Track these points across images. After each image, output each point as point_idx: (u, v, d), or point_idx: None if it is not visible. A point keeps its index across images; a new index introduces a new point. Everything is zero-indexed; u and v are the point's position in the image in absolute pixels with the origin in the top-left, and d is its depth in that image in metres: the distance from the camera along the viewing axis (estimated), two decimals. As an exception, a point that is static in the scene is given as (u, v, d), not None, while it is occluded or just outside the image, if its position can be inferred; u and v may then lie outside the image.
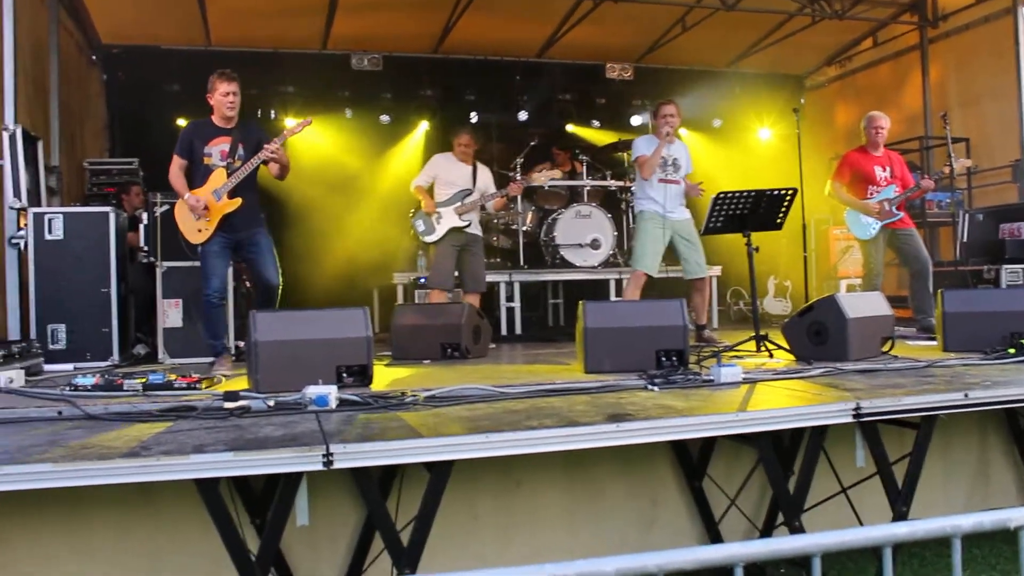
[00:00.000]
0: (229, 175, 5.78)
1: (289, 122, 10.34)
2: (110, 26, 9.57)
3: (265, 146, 5.76)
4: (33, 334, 6.17)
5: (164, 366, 6.21)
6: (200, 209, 5.73)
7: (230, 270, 6.33)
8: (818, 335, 5.36)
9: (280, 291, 6.06)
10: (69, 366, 6.09)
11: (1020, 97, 9.23)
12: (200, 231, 5.82)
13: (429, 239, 7.53)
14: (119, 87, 10.22)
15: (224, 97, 5.83)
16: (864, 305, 5.57)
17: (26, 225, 6.27)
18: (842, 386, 4.32)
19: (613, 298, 8.98)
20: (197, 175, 5.86)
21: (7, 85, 6.32)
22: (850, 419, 3.75)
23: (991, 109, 9.61)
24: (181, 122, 10.13)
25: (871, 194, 7.37)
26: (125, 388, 4.38)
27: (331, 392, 3.89)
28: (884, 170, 7.36)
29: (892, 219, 7.25)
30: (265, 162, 5.86)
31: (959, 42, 10.16)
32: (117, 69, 10.20)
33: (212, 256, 5.84)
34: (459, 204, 7.48)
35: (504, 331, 8.72)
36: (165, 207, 6.67)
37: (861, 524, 4.28)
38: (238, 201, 5.77)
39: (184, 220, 5.89)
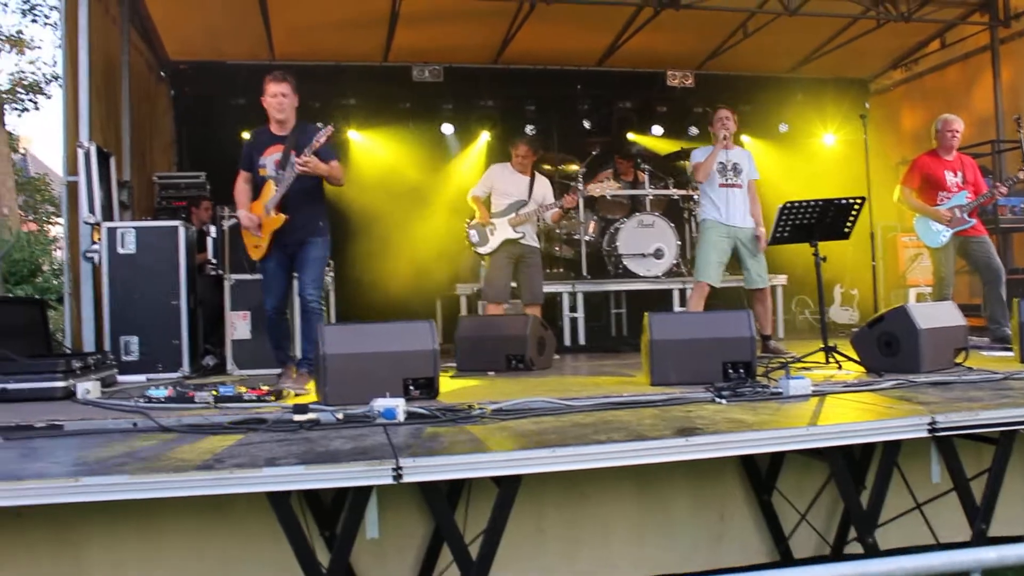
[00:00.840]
0: (276, 186, 5.47)
1: (352, 135, 10.49)
2: (177, 43, 9.78)
3: (294, 161, 5.34)
4: (107, 346, 6.33)
5: (233, 377, 6.32)
6: (254, 227, 5.51)
7: (294, 284, 6.02)
8: (888, 346, 5.26)
9: (321, 308, 5.68)
10: (141, 377, 6.23)
11: (1096, 99, 8.97)
12: (257, 247, 5.62)
13: (482, 250, 7.54)
14: (186, 102, 10.45)
15: (272, 99, 5.50)
16: (936, 315, 5.45)
17: (100, 239, 6.44)
18: (915, 399, 4.23)
19: (676, 308, 8.91)
20: (257, 188, 5.64)
21: (82, 104, 6.50)
22: (925, 434, 3.66)
23: (1069, 111, 9.33)
24: (246, 136, 10.35)
25: (941, 200, 7.17)
26: (197, 400, 4.46)
27: (399, 405, 3.92)
28: (955, 175, 7.17)
29: (963, 226, 7.05)
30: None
31: (1033, 42, 9.89)
32: (184, 85, 10.42)
33: (267, 273, 5.66)
34: (513, 215, 7.48)
35: (567, 342, 8.70)
36: (232, 220, 6.79)
37: (937, 541, 4.19)
38: (282, 218, 5.42)
39: (245, 236, 5.71)
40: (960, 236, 7.13)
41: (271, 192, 5.47)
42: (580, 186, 8.91)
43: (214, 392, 4.52)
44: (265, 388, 4.65)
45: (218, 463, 3.09)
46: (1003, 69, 10.19)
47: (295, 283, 5.80)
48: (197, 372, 6.65)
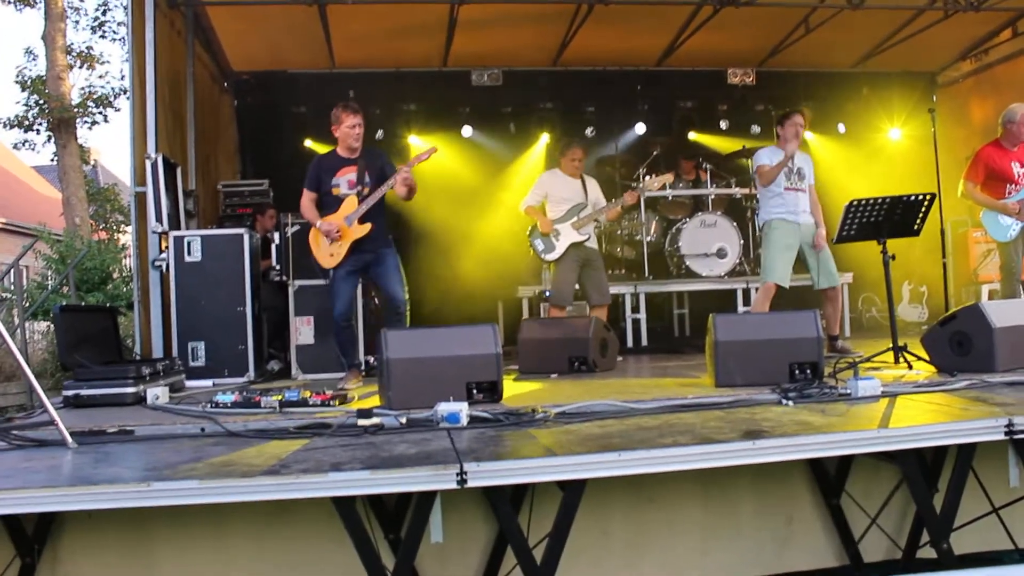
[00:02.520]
0: (360, 202, 5.93)
1: (413, 139, 10.55)
2: (240, 54, 9.94)
3: (395, 175, 5.89)
4: (175, 352, 6.46)
5: (297, 382, 6.40)
6: (334, 233, 5.90)
7: (358, 290, 6.48)
8: (961, 345, 5.14)
9: (408, 307, 6.21)
10: (208, 382, 6.35)
11: None
12: (332, 255, 5.98)
13: (550, 257, 7.50)
14: (249, 112, 10.59)
15: (351, 129, 5.98)
16: (1012, 313, 5.30)
17: (167, 248, 6.59)
18: (991, 400, 4.13)
19: (740, 308, 8.81)
20: (327, 206, 6.05)
21: (149, 116, 6.66)
22: (1002, 436, 3.57)
23: None
24: (308, 143, 10.50)
25: (1009, 193, 6.95)
26: (263, 405, 4.53)
27: (462, 409, 3.93)
28: (1022, 167, 6.96)
29: None
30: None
31: (1112, 27, 9.56)
32: (246, 94, 10.58)
33: (339, 281, 6.00)
34: (575, 219, 7.46)
35: (630, 343, 8.65)
36: (296, 227, 6.88)
37: (1016, 547, 4.08)
38: (368, 226, 5.91)
39: (317, 246, 6.06)
40: None
41: (354, 206, 5.93)
42: (642, 186, 8.87)
43: (279, 397, 4.58)
44: (329, 393, 4.70)
45: (284, 468, 3.13)
46: (1079, 58, 9.88)
47: (381, 289, 6.24)
48: (262, 377, 6.75)
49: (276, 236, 7.18)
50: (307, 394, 4.64)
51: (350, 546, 3.21)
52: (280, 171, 9.88)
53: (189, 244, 6.60)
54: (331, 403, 4.58)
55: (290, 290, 6.89)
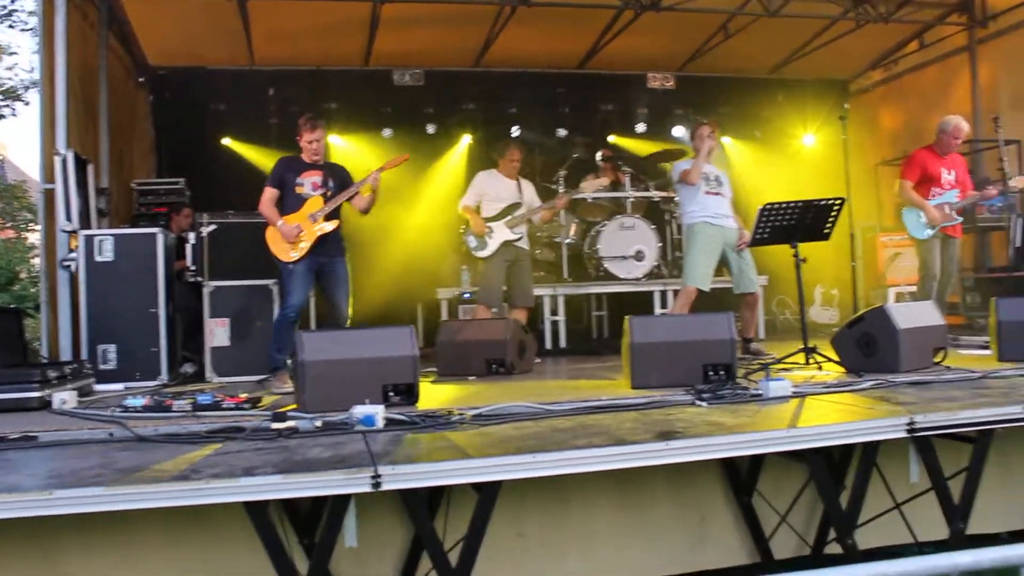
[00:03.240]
0: (326, 202, 6.13)
1: (334, 139, 10.43)
2: (157, 48, 9.72)
3: (371, 175, 6.19)
4: (84, 354, 6.28)
5: (212, 385, 6.28)
6: (293, 236, 6.04)
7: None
8: (868, 346, 5.29)
9: (349, 321, 6.38)
10: (119, 386, 6.18)
11: (1072, 98, 9.05)
12: (293, 251, 6.09)
13: (481, 254, 7.52)
14: (165, 108, 10.36)
15: (308, 144, 6.20)
16: (915, 315, 5.48)
17: (77, 247, 6.39)
18: (894, 399, 4.25)
19: (658, 310, 8.92)
20: (288, 204, 6.16)
21: (59, 111, 6.45)
22: (904, 434, 3.68)
23: (1045, 111, 9.41)
24: (227, 141, 10.34)
25: (933, 195, 7.28)
26: (175, 409, 4.43)
27: (378, 412, 3.90)
28: (949, 173, 7.26)
29: (950, 223, 7.16)
30: (350, 198, 6.24)
31: (1009, 42, 9.94)
32: (163, 90, 10.35)
33: (297, 275, 6.07)
34: (509, 218, 7.50)
35: (549, 345, 8.70)
36: (212, 227, 6.76)
37: (916, 541, 4.21)
38: (335, 223, 6.16)
39: (276, 243, 6.13)
40: (942, 233, 7.23)
41: (319, 205, 6.13)
42: (560, 188, 8.94)
43: (192, 400, 4.49)
44: (244, 396, 4.62)
45: (195, 473, 3.07)
46: (980, 69, 10.27)
47: (328, 299, 6.33)
48: (176, 380, 6.60)
49: (191, 236, 7.04)
50: (221, 397, 4.56)
51: (264, 552, 3.17)
52: (197, 170, 9.71)
53: (100, 243, 6.42)
54: (245, 406, 4.50)
55: (205, 291, 6.76)
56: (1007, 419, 3.85)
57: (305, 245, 6.06)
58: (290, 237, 6.04)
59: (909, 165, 7.46)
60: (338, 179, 6.27)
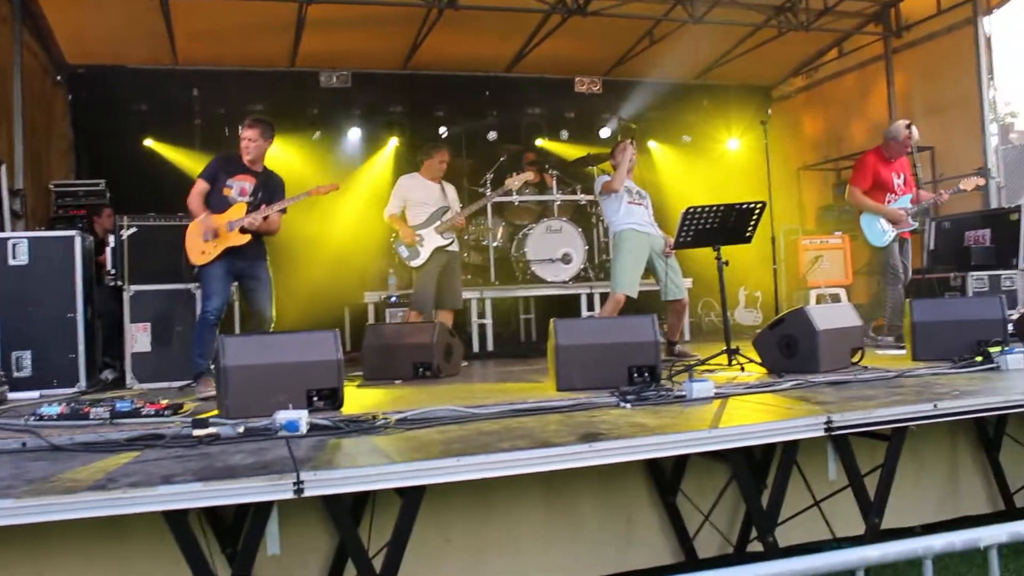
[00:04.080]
0: (248, 212, 5.98)
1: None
2: (75, 46, 9.48)
3: (245, 218, 5.94)
4: (-3, 362, 6.09)
5: (132, 392, 6.13)
6: (210, 233, 5.92)
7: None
8: (789, 347, 5.39)
9: (273, 325, 6.26)
10: (35, 394, 6.00)
11: (982, 106, 9.39)
12: (204, 253, 5.96)
13: (415, 264, 7.42)
14: (85, 107, 10.11)
15: (242, 141, 6.11)
16: (834, 316, 5.61)
17: (-11, 250, 6.19)
18: (813, 399, 4.34)
19: (585, 312, 8.98)
20: (213, 203, 6.04)
21: (-31, 111, 6.26)
22: (821, 433, 3.76)
23: (955, 118, 9.73)
24: (149, 142, 10.13)
25: (889, 201, 7.42)
26: (92, 417, 4.31)
27: (301, 417, 3.85)
28: (899, 177, 7.40)
29: (908, 228, 7.29)
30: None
31: (923, 52, 10.28)
32: (82, 89, 10.09)
33: (215, 278, 5.95)
34: (438, 223, 7.44)
35: (476, 348, 8.70)
36: (133, 229, 6.61)
37: (834, 536, 4.31)
38: (247, 238, 5.97)
39: (192, 240, 6.01)
40: (898, 235, 7.43)
41: (241, 214, 5.97)
42: (488, 191, 8.95)
43: (110, 408, 4.37)
44: (164, 402, 4.53)
45: (111, 483, 2.99)
46: (896, 77, 10.61)
47: (250, 304, 6.27)
48: (95, 387, 6.42)
49: (111, 238, 6.87)
50: (140, 404, 4.46)
51: (185, 562, 3.11)
52: (118, 171, 9.50)
53: (14, 247, 6.22)
54: (166, 413, 4.41)
55: (125, 295, 6.60)
56: (920, 416, 3.96)
57: (215, 251, 5.94)
58: (208, 232, 5.91)
59: (859, 171, 7.57)
60: (268, 192, 6.13)
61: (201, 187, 6.05)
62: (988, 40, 9.45)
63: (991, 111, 9.65)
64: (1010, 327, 5.84)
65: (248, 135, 6.09)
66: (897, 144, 7.41)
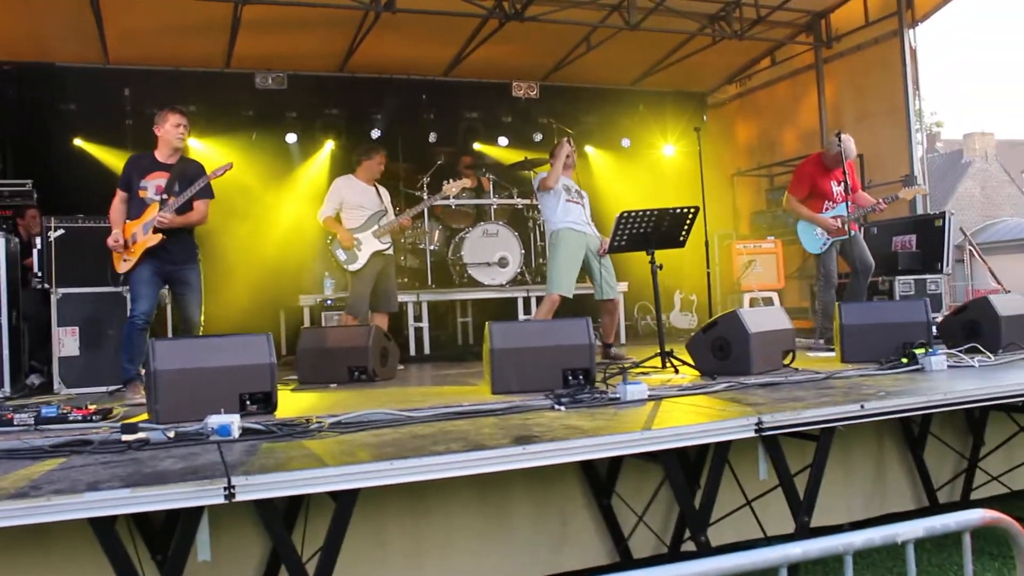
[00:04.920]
0: (160, 211, 5.87)
1: (192, 143, 10.12)
2: (1, 43, 9.23)
3: (154, 217, 5.84)
4: (-82, 367, 5.91)
5: (60, 397, 6.00)
6: (119, 248, 5.86)
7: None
8: (721, 350, 5.46)
9: (202, 330, 6.17)
10: (-43, 399, 5.84)
11: (908, 115, 9.66)
12: (125, 260, 5.91)
13: (353, 268, 7.38)
14: (9, 106, 9.81)
15: (175, 128, 6.00)
16: (766, 319, 5.70)
17: (-92, 253, 6.01)
18: (745, 400, 4.39)
19: (521, 316, 9.01)
20: (132, 209, 5.97)
21: None
22: (752, 434, 3.82)
23: (882, 126, 9.99)
24: (78, 142, 9.90)
25: (827, 209, 7.56)
26: (15, 423, 4.21)
27: (234, 421, 3.80)
28: (839, 185, 7.51)
29: (844, 237, 7.40)
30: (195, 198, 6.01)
31: (852, 62, 10.54)
32: (6, 87, 9.79)
33: (141, 282, 5.88)
34: (376, 227, 7.40)
35: (412, 351, 8.68)
36: (60, 231, 6.47)
37: (765, 535, 4.39)
38: (158, 237, 5.83)
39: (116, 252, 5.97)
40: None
41: (152, 214, 5.86)
42: (424, 195, 8.93)
43: (35, 414, 4.27)
44: (92, 407, 4.43)
45: (34, 490, 2.92)
46: (827, 86, 10.86)
47: (179, 308, 6.22)
48: (21, 392, 6.28)
49: (37, 240, 6.70)
50: (67, 409, 4.36)
51: (112, 570, 3.04)
52: (46, 171, 9.25)
53: (-65, 249, 6.06)
54: (94, 418, 4.32)
55: (53, 298, 6.45)
56: (847, 417, 4.05)
57: (132, 257, 5.87)
58: (116, 248, 5.87)
59: (797, 180, 7.72)
60: (187, 180, 5.99)
61: (119, 197, 6.00)
62: (913, 51, 9.73)
63: (917, 120, 9.93)
64: (934, 330, 5.99)
65: (184, 120, 6.05)
66: (831, 154, 7.57)
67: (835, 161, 7.55)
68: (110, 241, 5.87)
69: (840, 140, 7.44)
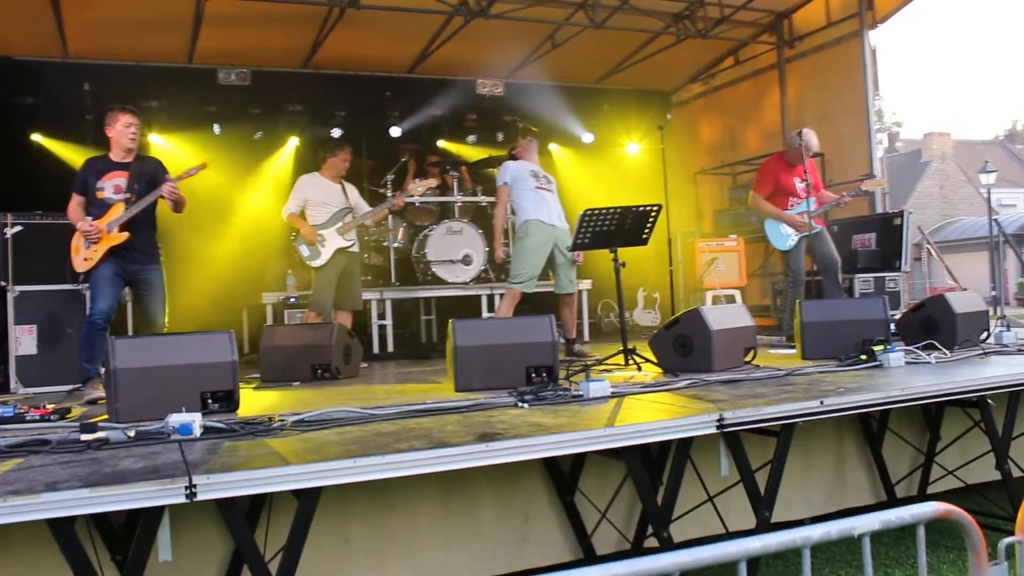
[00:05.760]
0: (128, 207, 5.81)
1: (154, 138, 10.04)
2: (-46, 34, 9.09)
3: (163, 185, 5.82)
4: None
5: (16, 396, 5.92)
6: (93, 234, 5.75)
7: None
8: (684, 347, 5.50)
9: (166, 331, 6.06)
10: (-90, 399, 5.74)
11: (868, 115, 9.79)
12: (86, 260, 5.80)
13: (316, 263, 7.39)
14: (-35, 100, 9.68)
15: (127, 128, 5.92)
16: (727, 317, 5.75)
17: None
18: (707, 397, 4.43)
19: (485, 314, 9.02)
20: (93, 211, 5.87)
21: None
22: (714, 430, 3.86)
23: (843, 126, 10.11)
24: (36, 137, 9.76)
25: (792, 205, 7.63)
26: (-29, 422, 4.15)
27: (195, 420, 3.77)
28: (802, 181, 7.57)
29: (811, 232, 7.48)
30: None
31: (814, 62, 10.65)
32: (-38, 80, 9.67)
33: (102, 280, 5.78)
34: (340, 224, 7.39)
35: (376, 349, 8.66)
36: (17, 227, 6.38)
37: (727, 530, 4.43)
38: (125, 235, 5.78)
39: (76, 251, 5.86)
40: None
41: (118, 212, 5.80)
42: (389, 192, 8.92)
43: (-9, 413, 4.22)
44: (50, 407, 4.38)
45: (-10, 491, 2.88)
46: (789, 86, 10.97)
47: (141, 309, 6.08)
48: (-24, 392, 6.20)
49: (-6, 237, 6.61)
50: (24, 408, 4.31)
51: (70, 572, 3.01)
52: (3, 167, 9.10)
53: None
54: (51, 418, 4.27)
55: (10, 296, 6.36)
56: (807, 413, 4.10)
57: (96, 255, 5.78)
58: (90, 235, 5.75)
59: (761, 177, 7.80)
60: (147, 178, 5.95)
61: (75, 201, 5.93)
62: (874, 52, 9.87)
63: (878, 120, 10.07)
64: (892, 327, 6.08)
65: (134, 121, 5.97)
66: (793, 151, 7.65)
67: (797, 157, 7.62)
68: (84, 227, 5.76)
69: (802, 136, 7.52)
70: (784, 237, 7.63)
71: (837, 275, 7.65)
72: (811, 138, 7.61)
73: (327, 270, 7.38)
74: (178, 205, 5.99)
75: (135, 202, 5.82)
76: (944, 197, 40.30)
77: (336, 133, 10.81)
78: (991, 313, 6.50)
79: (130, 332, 7.18)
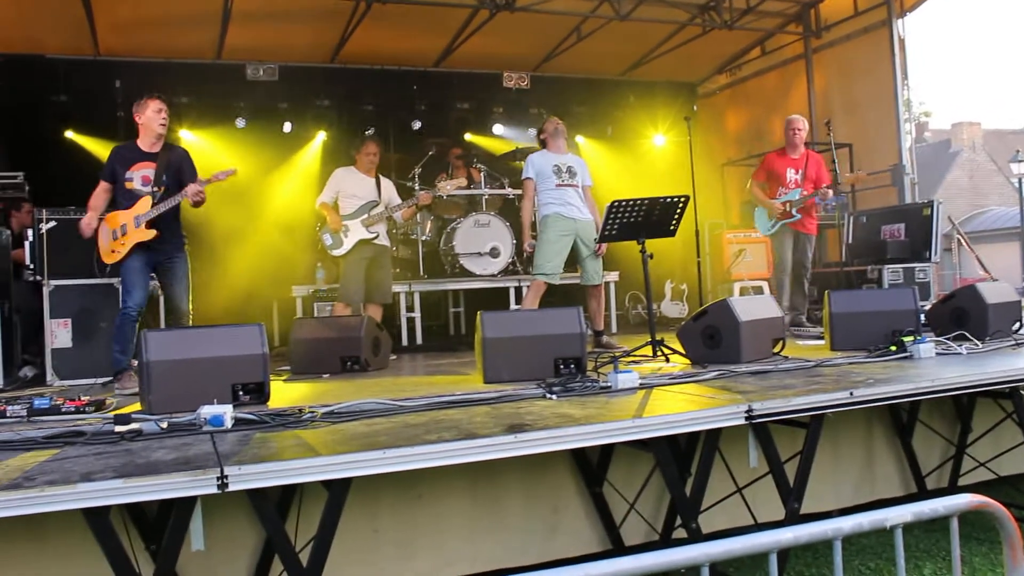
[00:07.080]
0: (154, 204, 5.80)
1: (184, 134, 10.12)
2: (-10, 33, 9.21)
3: (189, 188, 5.78)
4: (-90, 359, 5.91)
5: (53, 389, 6.01)
6: (119, 230, 5.79)
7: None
8: (712, 339, 5.49)
9: (191, 318, 6.12)
10: (-50, 392, 5.84)
11: (896, 105, 9.69)
12: (114, 252, 5.83)
13: (337, 252, 7.47)
14: (1, 97, 9.79)
15: (157, 114, 5.89)
16: (755, 308, 5.73)
17: (-101, 246, 6.00)
18: (735, 388, 4.42)
19: (513, 306, 9.03)
20: (122, 199, 5.88)
21: None
22: (743, 421, 3.85)
23: (871, 116, 10.03)
24: (70, 134, 9.88)
25: (780, 194, 7.82)
26: (8, 414, 4.22)
27: (226, 411, 3.82)
28: (796, 172, 7.68)
29: (790, 220, 7.61)
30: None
31: (841, 52, 10.57)
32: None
33: (134, 272, 5.80)
34: (366, 216, 7.45)
35: (405, 342, 8.69)
36: (52, 223, 6.46)
37: (756, 521, 4.42)
38: (153, 233, 5.79)
39: (101, 240, 5.89)
40: (793, 228, 7.79)
41: (147, 208, 5.78)
42: (416, 186, 8.95)
43: (28, 405, 4.28)
44: (85, 399, 4.44)
45: (28, 481, 2.93)
46: (816, 76, 10.88)
47: (166, 297, 6.17)
48: (13, 384, 6.27)
49: (29, 232, 6.70)
50: (60, 400, 4.37)
51: (106, 560, 3.06)
52: (38, 164, 9.22)
53: (-73, 242, 6.05)
54: (87, 409, 4.33)
55: (45, 291, 6.45)
56: (836, 404, 4.09)
57: (124, 249, 5.79)
58: (85, 232, 5.81)
59: (759, 166, 8.09)
60: (174, 169, 5.94)
61: (101, 187, 5.92)
62: (902, 41, 9.77)
63: (906, 109, 9.97)
64: (922, 317, 6.04)
65: (163, 107, 5.94)
66: (785, 135, 7.88)
67: (790, 143, 7.87)
68: (83, 223, 5.81)
69: (788, 124, 7.74)
70: (766, 222, 7.94)
71: (803, 281, 7.97)
72: (796, 124, 7.83)
73: (352, 260, 7.44)
74: (198, 204, 5.99)
75: (162, 196, 5.82)
76: (974, 187, 39.79)
77: (369, 131, 10.85)
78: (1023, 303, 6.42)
79: (162, 323, 7.23)
